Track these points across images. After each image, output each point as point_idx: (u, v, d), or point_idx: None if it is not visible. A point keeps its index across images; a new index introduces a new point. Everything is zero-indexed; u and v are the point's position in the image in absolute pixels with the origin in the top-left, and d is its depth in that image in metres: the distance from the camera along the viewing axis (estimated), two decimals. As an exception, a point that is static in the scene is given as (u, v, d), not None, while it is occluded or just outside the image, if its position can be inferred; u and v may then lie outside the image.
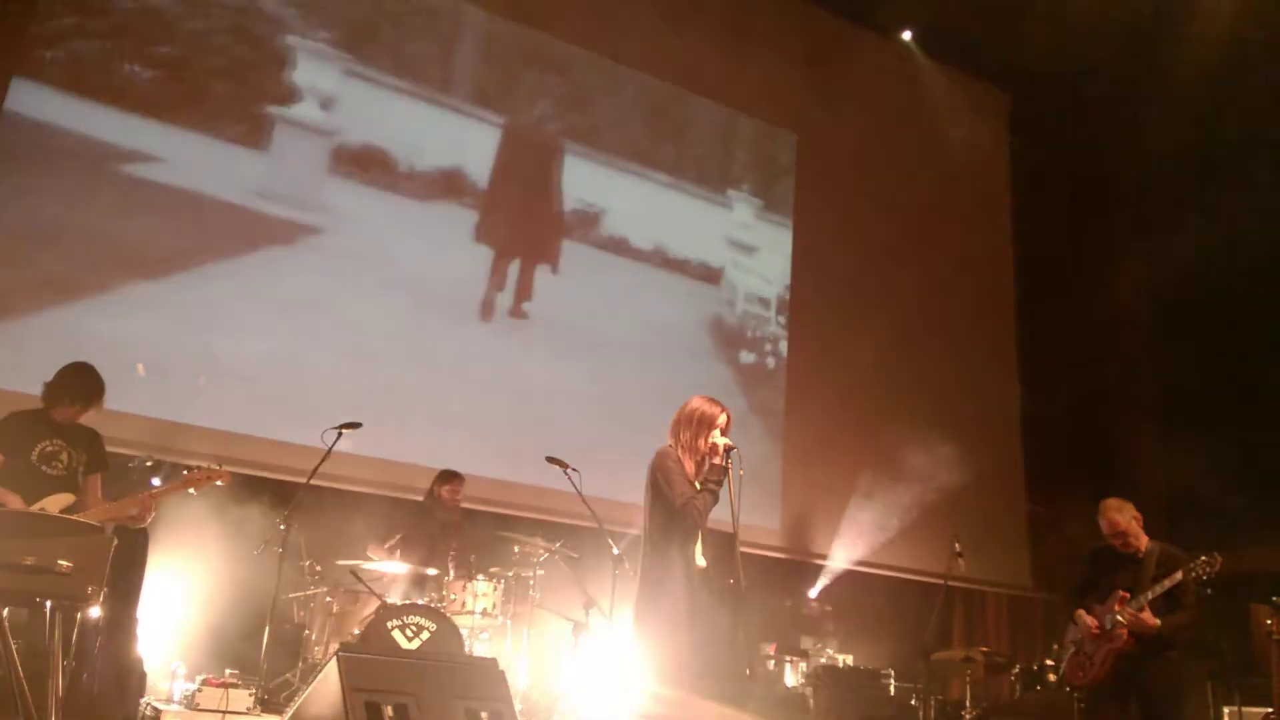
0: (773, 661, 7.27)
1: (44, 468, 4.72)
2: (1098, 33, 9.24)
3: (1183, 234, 9.02)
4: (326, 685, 3.59)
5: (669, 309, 8.54)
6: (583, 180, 8.37)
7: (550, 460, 5.79)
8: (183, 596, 6.09)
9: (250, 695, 5.29)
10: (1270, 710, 5.96)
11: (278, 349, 6.84)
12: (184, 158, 6.79)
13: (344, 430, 5.71)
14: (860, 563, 8.75)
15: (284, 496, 6.22)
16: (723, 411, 4.16)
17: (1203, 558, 4.97)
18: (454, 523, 6.51)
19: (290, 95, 7.26)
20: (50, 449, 4.76)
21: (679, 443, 4.14)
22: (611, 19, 8.69)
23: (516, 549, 6.50)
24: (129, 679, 4.86)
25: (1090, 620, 5.19)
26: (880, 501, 8.80)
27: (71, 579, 3.50)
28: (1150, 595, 5.02)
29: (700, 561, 4.07)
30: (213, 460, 5.33)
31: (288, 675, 5.75)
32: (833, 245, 9.54)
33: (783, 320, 9.17)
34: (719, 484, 4.02)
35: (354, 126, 7.45)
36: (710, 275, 8.86)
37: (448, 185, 7.74)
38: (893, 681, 7.13)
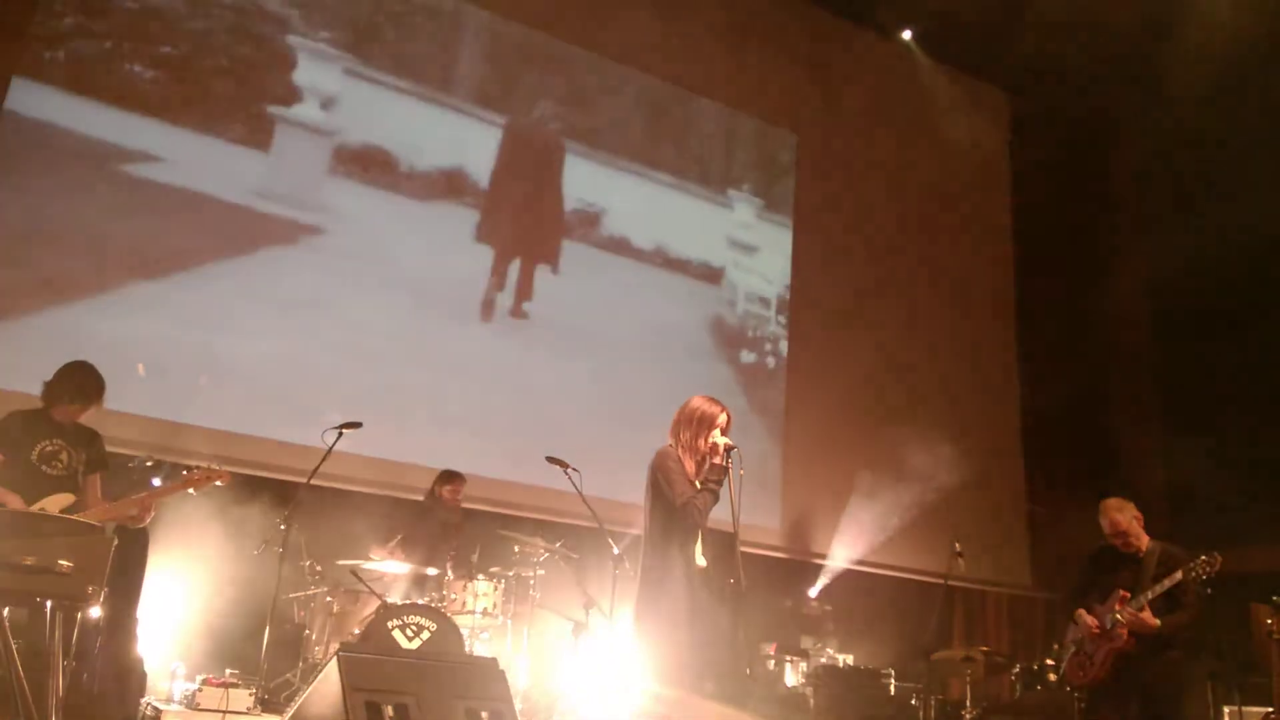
0: (773, 661, 7.27)
1: (44, 467, 4.71)
2: (1098, 32, 9.24)
3: (1183, 233, 9.02)
4: (327, 685, 3.59)
5: (670, 309, 8.54)
6: (583, 180, 8.38)
7: (550, 460, 5.79)
8: (183, 596, 6.09)
9: (250, 695, 5.29)
10: (1270, 710, 5.96)
11: (278, 349, 6.84)
12: (185, 157, 6.79)
13: (344, 430, 5.71)
14: (860, 562, 8.75)
15: (284, 496, 6.23)
16: (723, 411, 4.17)
17: (1203, 557, 4.98)
18: (455, 523, 6.51)
19: (291, 95, 7.26)
20: (50, 449, 4.76)
21: (679, 442, 4.14)
22: (612, 19, 8.69)
23: (517, 549, 6.50)
24: (129, 679, 4.86)
25: (1091, 620, 5.19)
26: (880, 501, 8.80)
27: (72, 579, 3.50)
28: (1150, 595, 5.02)
29: (700, 561, 4.07)
30: (213, 460, 5.33)
31: (288, 675, 5.75)
32: (833, 245, 9.55)
33: (783, 320, 9.17)
34: (719, 484, 4.02)
35: (355, 126, 7.45)
36: (711, 275, 8.86)
37: (448, 185, 7.74)
38: (893, 681, 7.13)
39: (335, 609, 5.82)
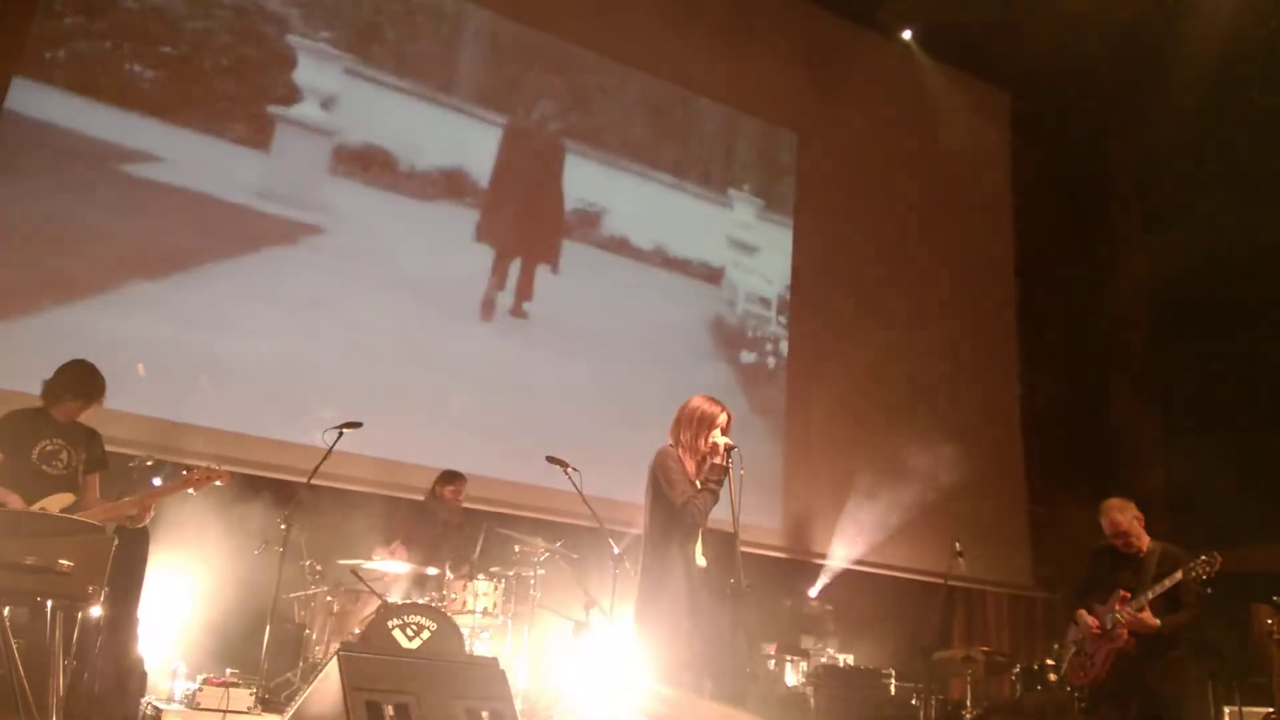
0: (773, 661, 7.27)
1: (44, 467, 4.71)
2: (1099, 32, 9.24)
3: (1184, 233, 9.03)
4: (327, 685, 3.59)
5: (670, 309, 8.54)
6: (584, 180, 8.37)
7: (551, 460, 5.79)
8: (184, 596, 6.09)
9: (251, 695, 5.29)
10: (1271, 710, 5.96)
11: (279, 348, 6.84)
12: (185, 157, 6.79)
13: (344, 430, 5.71)
14: (861, 562, 8.75)
15: (285, 496, 6.23)
16: (723, 411, 4.16)
17: (1202, 557, 4.98)
18: (455, 523, 6.51)
19: (291, 95, 7.26)
20: (50, 448, 4.76)
21: (679, 442, 4.14)
22: (613, 19, 8.69)
23: (517, 548, 6.51)
24: (130, 678, 4.86)
25: (1091, 620, 5.20)
26: (881, 501, 8.80)
27: (72, 578, 3.50)
28: (1151, 595, 5.02)
29: (701, 561, 4.07)
30: (214, 460, 5.33)
31: (288, 675, 5.75)
32: (833, 245, 9.54)
33: (784, 320, 9.17)
34: (719, 483, 4.01)
35: (355, 126, 7.45)
36: (711, 275, 8.85)
37: (449, 185, 7.74)
38: (893, 681, 7.13)
39: (336, 608, 5.82)
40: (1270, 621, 5.72)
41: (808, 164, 9.62)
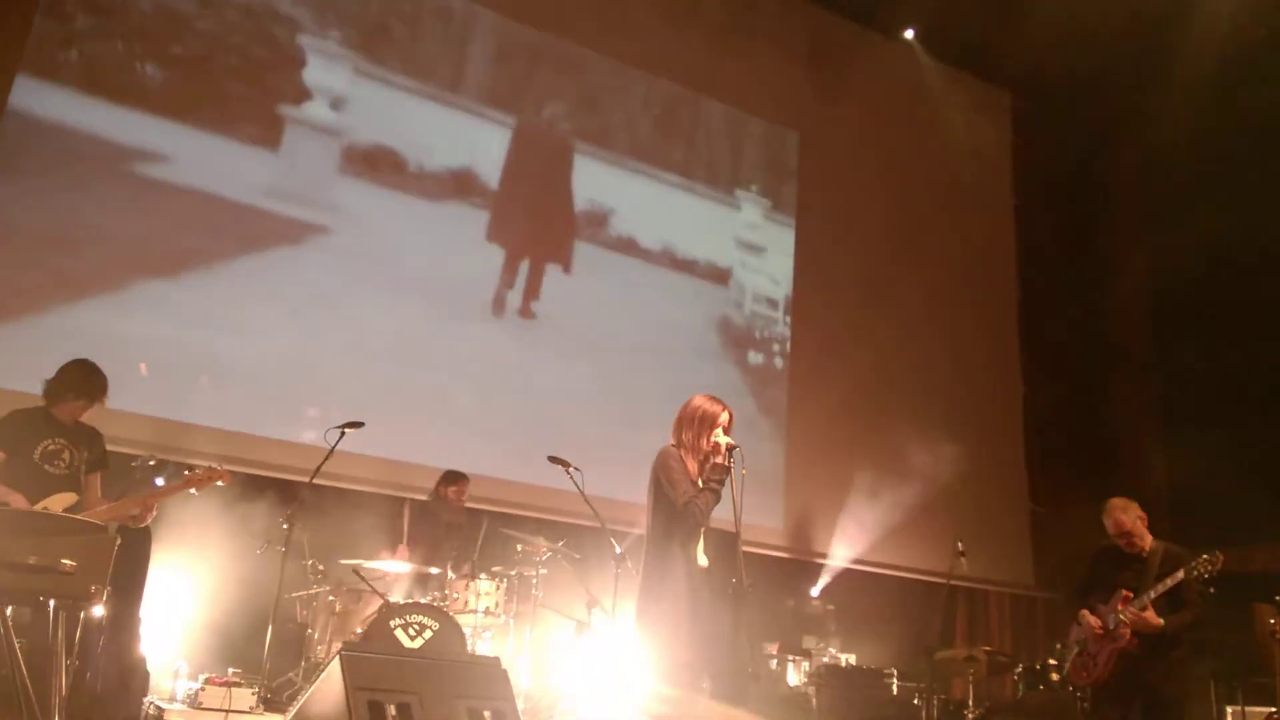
0: (775, 661, 7.27)
1: (46, 466, 4.72)
2: (1099, 33, 9.23)
3: (1184, 233, 9.02)
4: (329, 684, 3.59)
5: (677, 309, 8.54)
6: (591, 180, 8.37)
7: (553, 460, 5.79)
8: (186, 595, 6.10)
9: (253, 694, 5.29)
10: (1273, 710, 5.96)
11: (284, 348, 6.84)
12: (194, 157, 6.79)
13: (346, 430, 5.71)
14: (863, 562, 8.75)
15: (288, 495, 6.23)
16: (725, 410, 4.16)
17: (1204, 556, 4.98)
18: (458, 524, 6.51)
19: (301, 95, 7.27)
20: (53, 447, 4.76)
21: (681, 442, 4.13)
22: (616, 19, 8.68)
23: (519, 548, 6.51)
24: (132, 678, 4.87)
25: (1094, 620, 5.19)
26: (883, 500, 8.80)
27: (75, 578, 3.50)
28: (1153, 595, 5.02)
29: (702, 561, 4.07)
30: (217, 460, 5.34)
31: (291, 674, 5.76)
32: (835, 245, 9.54)
33: (790, 321, 9.16)
34: (721, 483, 4.01)
35: (364, 126, 7.45)
36: (718, 275, 8.85)
37: (457, 185, 7.74)
38: (895, 681, 7.12)
39: (338, 608, 5.83)
40: (1272, 621, 5.72)
41: (810, 164, 9.61)
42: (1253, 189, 8.62)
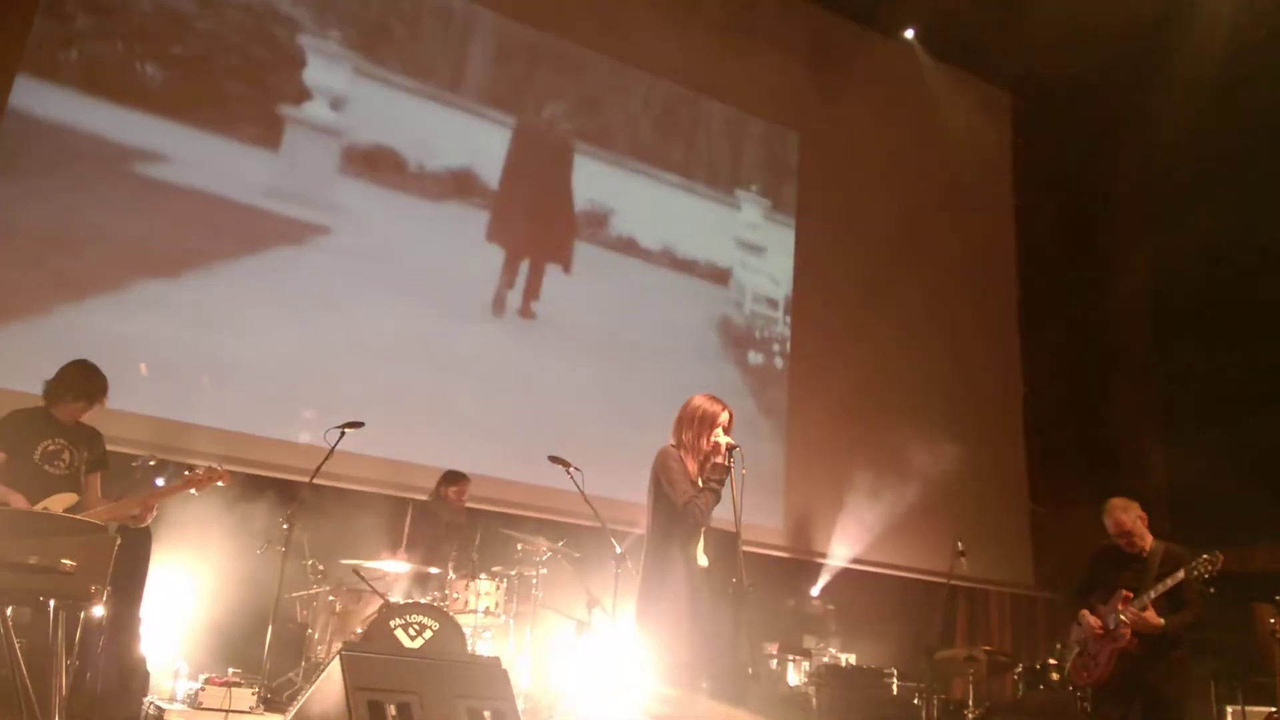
0: (775, 661, 7.27)
1: (46, 467, 4.72)
2: (1100, 32, 9.23)
3: (1184, 233, 9.02)
4: (329, 684, 3.59)
5: (677, 309, 8.54)
6: (591, 180, 8.37)
7: (553, 459, 5.79)
8: (186, 595, 6.10)
9: (253, 694, 5.29)
10: (1273, 709, 5.96)
11: (284, 348, 6.84)
12: (194, 157, 6.79)
13: (346, 430, 5.72)
14: (863, 561, 8.75)
15: (288, 496, 6.23)
16: (724, 409, 4.15)
17: (1204, 556, 4.98)
18: (459, 524, 6.51)
19: (301, 95, 7.26)
20: (53, 448, 4.76)
21: (681, 442, 4.13)
22: (619, 21, 8.68)
23: (520, 547, 6.51)
24: (132, 678, 4.87)
25: (1094, 620, 5.20)
26: (883, 500, 8.80)
27: (75, 578, 3.50)
28: (1153, 595, 5.02)
29: (702, 561, 4.07)
30: (218, 460, 5.34)
31: (291, 674, 5.75)
32: (835, 244, 9.54)
33: (790, 320, 9.16)
34: (721, 483, 4.01)
35: (364, 126, 7.45)
36: (718, 276, 8.85)
37: (457, 185, 7.74)
38: (895, 680, 7.12)
39: (338, 608, 5.82)
40: (1272, 621, 5.72)
41: (810, 163, 9.61)
42: (1253, 189, 8.62)
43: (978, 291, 10.25)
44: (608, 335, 8.11)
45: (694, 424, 4.12)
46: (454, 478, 6.56)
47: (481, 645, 6.16)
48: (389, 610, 5.45)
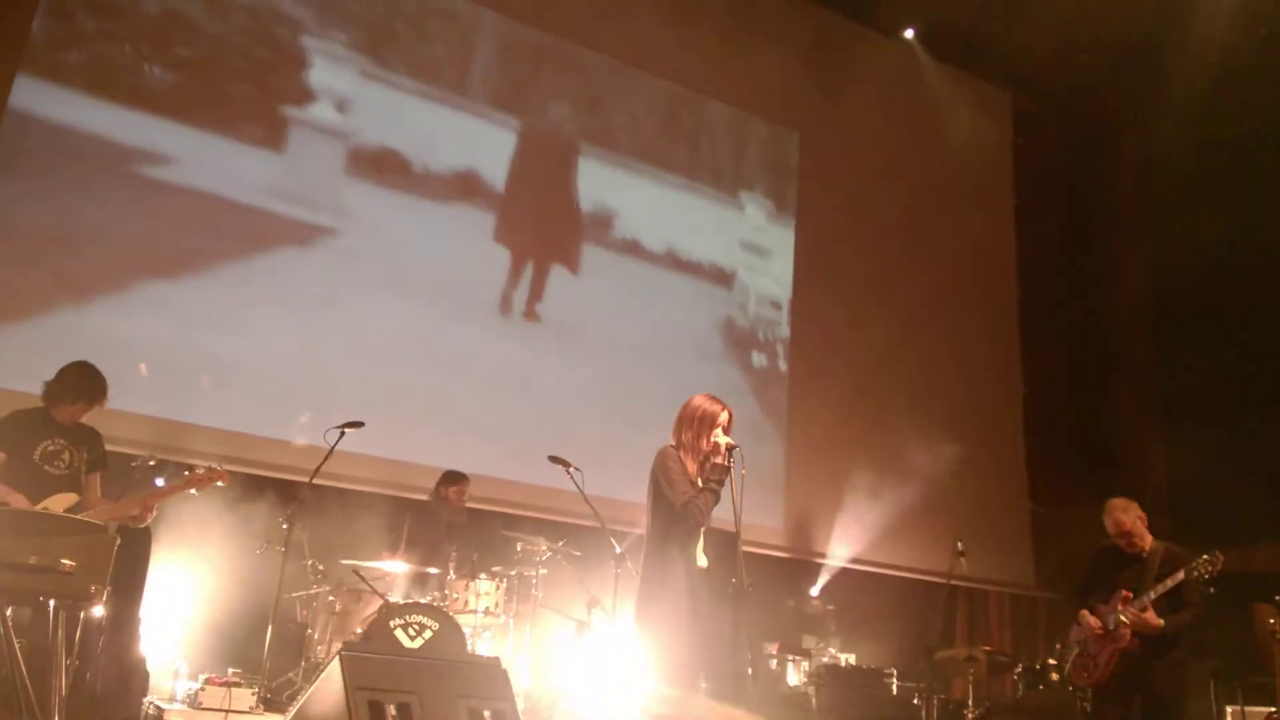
0: (775, 661, 7.27)
1: (46, 467, 4.72)
2: (1100, 32, 9.23)
3: (1186, 233, 9.02)
4: (329, 684, 3.59)
5: (681, 311, 8.53)
6: (596, 182, 8.37)
7: (553, 459, 5.80)
8: (186, 595, 6.10)
9: (253, 694, 5.29)
10: (1273, 709, 5.96)
11: (286, 349, 6.84)
12: (199, 158, 6.78)
13: (346, 429, 5.72)
14: (863, 561, 8.74)
15: (288, 496, 6.23)
16: (724, 409, 4.15)
17: (1204, 557, 4.98)
18: (459, 524, 6.51)
19: (306, 97, 7.26)
20: (53, 448, 4.77)
21: (681, 442, 4.13)
22: (622, 22, 8.68)
23: (520, 547, 6.51)
24: (132, 678, 4.87)
25: (1094, 620, 5.20)
26: (883, 500, 8.80)
27: (75, 578, 3.51)
28: (1153, 595, 5.02)
29: (702, 561, 4.07)
30: (218, 460, 5.35)
31: (290, 674, 5.76)
32: (836, 244, 9.54)
33: (791, 320, 9.15)
34: (721, 483, 4.00)
35: (369, 128, 7.44)
36: (722, 277, 8.85)
37: (462, 187, 7.74)
38: (895, 681, 7.12)
39: (338, 608, 5.83)
40: (1272, 621, 5.71)
41: (810, 164, 9.61)
42: (1252, 189, 8.62)
43: (978, 291, 10.25)
44: (609, 336, 8.11)
45: (693, 424, 4.12)
46: (454, 478, 6.56)
47: (481, 645, 6.16)
48: (389, 610, 5.45)
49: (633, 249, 8.39)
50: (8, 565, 3.38)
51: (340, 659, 3.60)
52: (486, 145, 7.93)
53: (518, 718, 3.91)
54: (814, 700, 6.89)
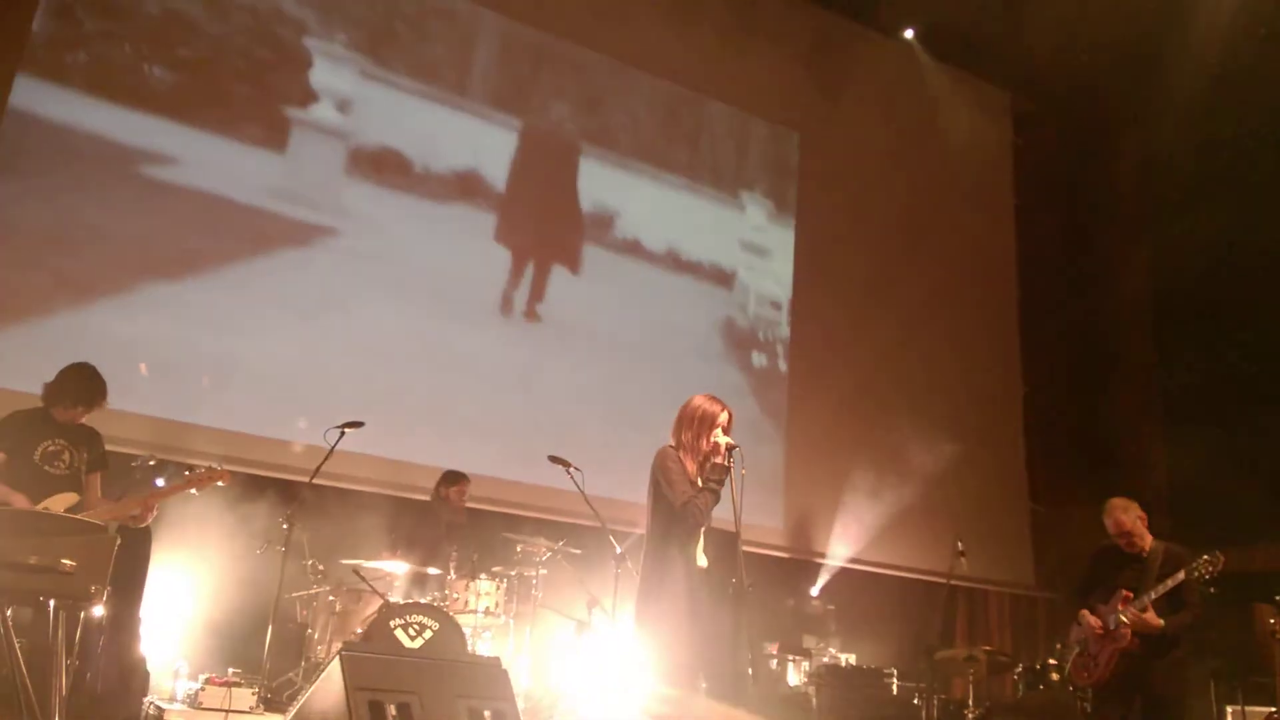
0: (775, 661, 7.27)
1: (46, 467, 4.73)
2: (1100, 32, 9.23)
3: (1186, 233, 9.02)
4: (329, 684, 3.59)
5: (681, 311, 8.53)
6: (596, 182, 8.37)
7: (553, 459, 5.79)
8: (186, 595, 6.10)
9: (253, 694, 5.29)
10: (1273, 709, 5.96)
11: (287, 349, 6.84)
12: (200, 159, 6.79)
13: (346, 429, 5.72)
14: (863, 561, 8.74)
15: (288, 496, 6.23)
16: (724, 409, 4.15)
17: (1205, 557, 4.98)
18: (459, 524, 6.51)
19: (307, 97, 7.26)
20: (53, 448, 4.77)
21: (680, 442, 4.13)
22: (623, 23, 8.69)
23: (520, 547, 6.51)
24: (132, 678, 4.87)
25: (1094, 620, 5.20)
26: (883, 500, 8.80)
27: (75, 578, 3.50)
28: (1153, 595, 5.02)
29: (702, 561, 4.07)
30: (219, 460, 5.35)
31: (291, 674, 5.76)
32: (836, 244, 9.54)
33: (790, 320, 9.15)
34: (721, 483, 4.00)
35: (370, 128, 7.44)
36: (722, 278, 8.84)
37: (463, 187, 7.74)
38: (895, 681, 7.12)
39: (338, 608, 5.83)
40: (1272, 621, 5.72)
41: (810, 164, 9.61)
42: (1252, 189, 8.62)
43: (978, 291, 10.25)
44: (609, 336, 8.11)
45: (693, 424, 4.12)
46: (454, 478, 6.56)
47: (481, 645, 6.16)
48: (389, 610, 5.45)
49: (633, 249, 8.39)
50: (8, 565, 3.38)
51: (340, 659, 3.60)
52: (487, 145, 7.93)
53: (518, 718, 3.91)
54: (814, 700, 6.89)
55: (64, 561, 3.46)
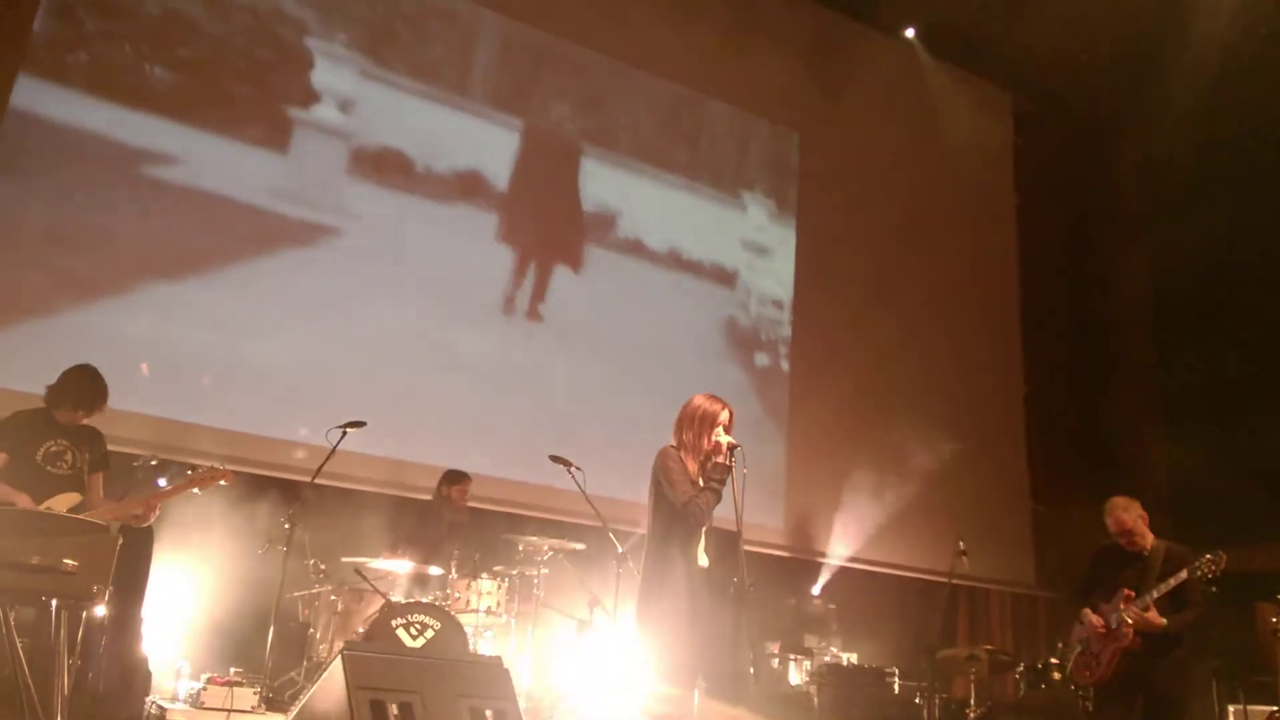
0: (776, 660, 7.27)
1: (49, 468, 4.73)
2: (1101, 32, 9.23)
3: (1186, 233, 9.02)
4: (331, 683, 3.59)
5: (683, 311, 8.52)
6: (598, 182, 8.36)
7: (554, 459, 5.80)
8: (188, 595, 6.10)
9: (255, 694, 5.29)
10: (1275, 708, 5.97)
11: (288, 349, 6.84)
12: (202, 159, 6.78)
13: (348, 429, 5.72)
14: (864, 561, 8.75)
15: (290, 495, 6.24)
16: (725, 408, 4.15)
17: (1207, 556, 4.99)
18: (461, 523, 6.51)
19: (309, 97, 7.26)
20: (55, 449, 4.77)
21: (681, 442, 4.13)
22: (623, 22, 8.68)
23: (521, 547, 6.51)
24: (134, 678, 4.87)
25: (1096, 619, 5.20)
26: (884, 499, 8.80)
27: (77, 578, 3.51)
28: (1155, 594, 5.03)
29: (703, 561, 4.06)
30: (221, 460, 5.35)
31: (293, 674, 5.76)
32: (836, 244, 9.53)
33: (792, 320, 9.15)
34: (722, 483, 4.00)
35: (372, 128, 7.44)
36: (724, 277, 8.84)
37: (464, 187, 7.74)
38: (897, 680, 7.12)
39: (340, 607, 5.83)
40: (1274, 620, 5.72)
41: (810, 163, 9.61)
42: (1252, 189, 8.62)
43: (979, 291, 10.25)
44: (611, 336, 8.11)
45: (694, 423, 4.11)
46: (456, 477, 6.56)
47: (483, 645, 6.16)
48: (391, 610, 5.46)
49: (635, 249, 8.39)
50: (11, 565, 3.38)
51: (342, 658, 3.60)
52: (488, 145, 7.93)
53: (520, 717, 3.91)
54: (816, 700, 6.89)
55: (66, 561, 3.47)
